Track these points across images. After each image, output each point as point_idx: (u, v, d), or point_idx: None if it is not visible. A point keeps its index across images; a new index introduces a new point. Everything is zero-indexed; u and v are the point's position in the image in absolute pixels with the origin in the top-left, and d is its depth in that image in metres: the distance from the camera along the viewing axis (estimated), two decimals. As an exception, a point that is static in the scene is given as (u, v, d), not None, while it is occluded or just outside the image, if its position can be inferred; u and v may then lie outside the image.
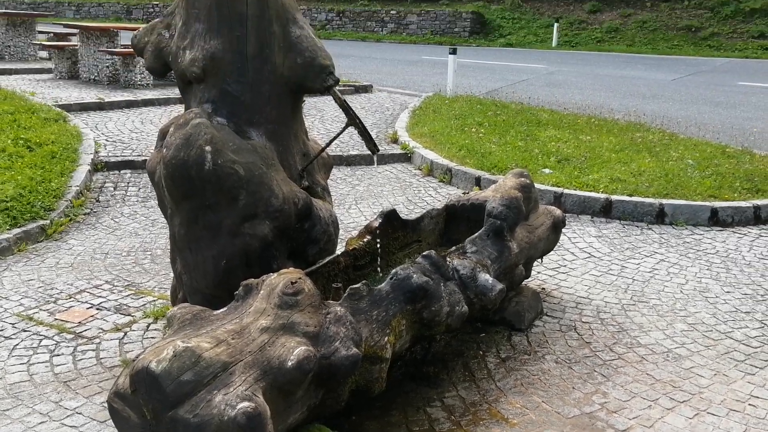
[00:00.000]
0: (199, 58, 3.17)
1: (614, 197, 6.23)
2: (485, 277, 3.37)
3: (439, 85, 12.45)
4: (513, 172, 4.33)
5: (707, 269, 5.09)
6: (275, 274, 2.73)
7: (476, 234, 3.70)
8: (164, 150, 3.09)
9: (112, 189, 6.76)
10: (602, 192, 6.35)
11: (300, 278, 2.67)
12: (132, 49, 3.67)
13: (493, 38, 25.54)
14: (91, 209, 6.25)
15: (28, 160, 6.61)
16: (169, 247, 4.42)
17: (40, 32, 15.28)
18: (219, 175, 3.02)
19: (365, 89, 12.48)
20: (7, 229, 5.38)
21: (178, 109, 9.82)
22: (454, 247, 3.62)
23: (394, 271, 3.06)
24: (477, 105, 10.53)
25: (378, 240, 3.77)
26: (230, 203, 3.10)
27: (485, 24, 26.61)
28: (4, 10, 18.24)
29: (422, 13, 27.45)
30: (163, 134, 3.35)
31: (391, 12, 28.15)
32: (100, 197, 6.54)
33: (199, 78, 3.21)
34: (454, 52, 12.04)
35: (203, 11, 3.20)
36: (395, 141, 8.69)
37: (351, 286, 2.91)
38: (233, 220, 3.12)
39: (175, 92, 10.44)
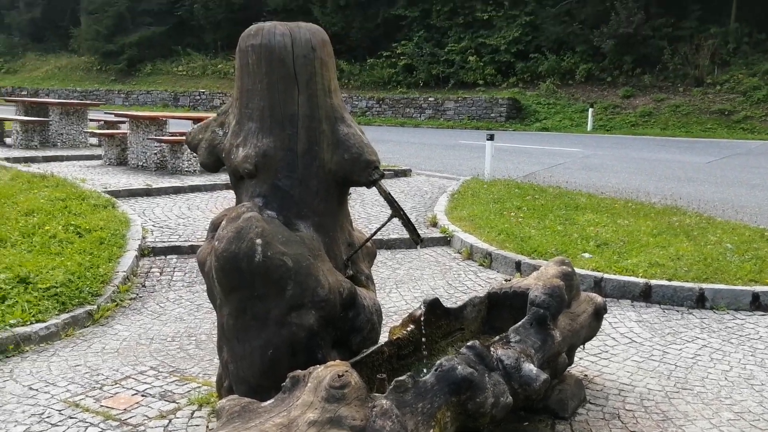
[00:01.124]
0: (251, 155, 3.32)
1: (653, 282, 6.20)
2: (529, 367, 3.38)
3: (477, 168, 12.58)
4: (554, 260, 4.38)
5: (751, 355, 5.00)
6: (322, 367, 2.78)
7: (520, 323, 3.72)
8: (216, 242, 3.21)
9: (158, 274, 6.90)
10: (641, 276, 6.33)
11: (347, 371, 2.72)
12: (182, 138, 3.85)
13: (529, 122, 25.89)
14: (137, 294, 6.38)
15: (77, 246, 6.81)
16: (214, 332, 4.50)
17: (92, 120, 15.87)
18: (268, 267, 3.12)
19: (404, 173, 12.66)
20: (56, 314, 5.50)
21: (225, 195, 10.07)
22: (497, 337, 3.64)
23: (438, 362, 3.10)
24: (515, 189, 10.62)
25: (423, 329, 3.81)
26: (278, 293, 3.18)
27: (521, 109, 27.05)
28: (59, 100, 19.09)
29: (459, 99, 28.03)
30: (214, 226, 3.48)
31: (429, 99, 28.82)
32: (146, 282, 6.68)
33: (251, 174, 3.36)
34: (491, 138, 12.20)
35: (256, 111, 3.37)
36: (434, 224, 8.78)
37: (396, 379, 2.94)
38: (281, 311, 3.20)
39: (221, 178, 10.70)
